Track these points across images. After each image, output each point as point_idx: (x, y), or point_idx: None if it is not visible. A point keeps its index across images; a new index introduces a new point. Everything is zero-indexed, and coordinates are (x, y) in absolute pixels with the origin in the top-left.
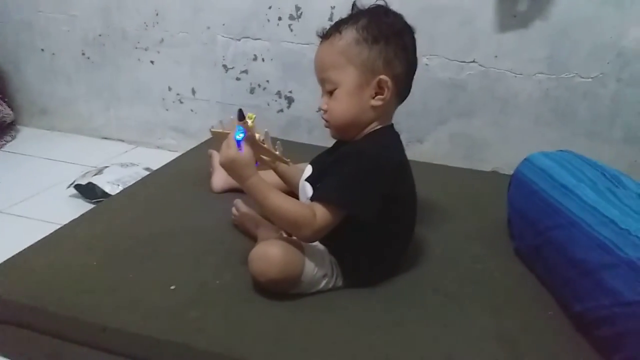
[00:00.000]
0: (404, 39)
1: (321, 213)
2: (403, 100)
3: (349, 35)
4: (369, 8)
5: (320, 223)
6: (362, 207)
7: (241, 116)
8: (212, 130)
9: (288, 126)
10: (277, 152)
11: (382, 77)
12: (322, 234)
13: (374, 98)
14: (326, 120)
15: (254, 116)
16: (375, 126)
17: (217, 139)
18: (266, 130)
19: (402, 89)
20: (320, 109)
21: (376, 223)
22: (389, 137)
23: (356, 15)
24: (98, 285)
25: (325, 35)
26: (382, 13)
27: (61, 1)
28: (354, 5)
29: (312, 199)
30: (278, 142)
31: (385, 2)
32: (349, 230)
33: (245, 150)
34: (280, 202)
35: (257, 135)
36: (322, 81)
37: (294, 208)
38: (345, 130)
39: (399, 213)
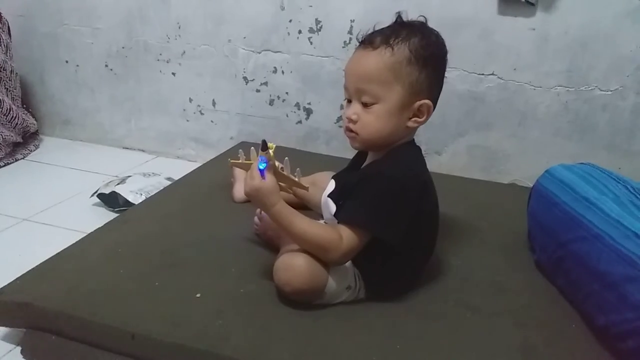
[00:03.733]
0: (445, 62)
1: (348, 235)
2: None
3: (401, 52)
4: (416, 24)
5: (347, 246)
6: (389, 229)
7: (264, 146)
8: (232, 161)
9: (306, 137)
10: (296, 179)
11: (426, 101)
12: (349, 257)
13: (410, 119)
14: (352, 131)
15: (274, 146)
16: (399, 143)
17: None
18: (286, 158)
19: (433, 111)
20: (349, 119)
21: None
22: (412, 154)
23: (404, 30)
24: (126, 293)
25: (372, 44)
26: (433, 33)
27: (85, 14)
28: (398, 16)
29: (339, 221)
30: (297, 169)
31: (426, 19)
32: (373, 245)
33: (269, 179)
34: (306, 226)
35: (277, 164)
36: (359, 91)
37: (320, 232)
38: (372, 145)
39: (422, 228)
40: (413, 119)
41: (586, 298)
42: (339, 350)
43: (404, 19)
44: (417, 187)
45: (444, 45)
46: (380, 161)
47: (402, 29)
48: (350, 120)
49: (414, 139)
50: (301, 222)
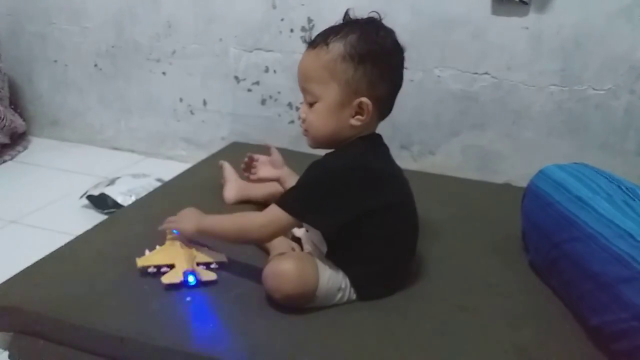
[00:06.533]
0: (392, 59)
1: (271, 210)
2: (384, 119)
3: (336, 50)
4: (361, 21)
5: (265, 218)
6: (314, 216)
7: None
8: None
9: (298, 137)
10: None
11: (363, 99)
12: (269, 230)
13: (353, 117)
14: (305, 129)
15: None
16: (353, 139)
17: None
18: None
19: (384, 109)
20: (301, 119)
21: (357, 236)
22: (362, 147)
23: (347, 27)
24: (114, 296)
25: (312, 44)
26: (374, 30)
27: (74, 13)
28: (346, 14)
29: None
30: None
31: (379, 15)
32: (346, 243)
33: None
34: (227, 218)
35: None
36: (304, 91)
37: (235, 217)
38: (322, 143)
39: (390, 222)
40: (356, 117)
41: (580, 298)
42: (332, 354)
43: (351, 16)
44: (361, 179)
45: (390, 41)
46: (327, 153)
47: (344, 27)
48: (302, 120)
49: (373, 133)
50: (223, 218)
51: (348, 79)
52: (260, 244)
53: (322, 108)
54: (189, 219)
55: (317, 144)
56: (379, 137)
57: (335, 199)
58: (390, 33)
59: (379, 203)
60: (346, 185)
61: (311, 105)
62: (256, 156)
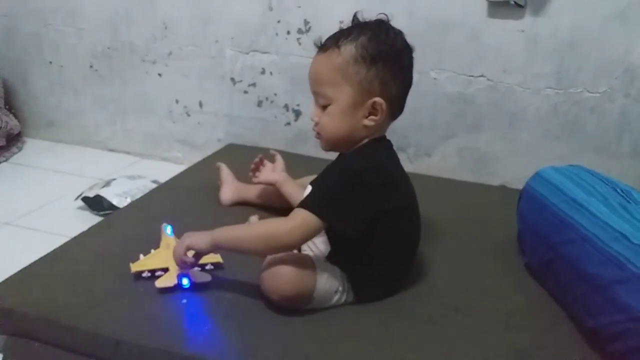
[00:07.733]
0: (403, 59)
1: (298, 212)
2: (396, 118)
3: (348, 52)
4: (370, 23)
5: (296, 221)
6: (343, 218)
7: None
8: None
9: (295, 139)
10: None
11: (377, 99)
12: (300, 232)
13: (366, 118)
14: (317, 132)
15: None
16: (365, 141)
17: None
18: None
19: (396, 109)
20: (313, 122)
21: (365, 237)
22: (376, 150)
23: (357, 29)
24: (110, 299)
25: (323, 47)
26: (384, 31)
27: (70, 14)
28: (354, 17)
29: (296, 206)
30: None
31: (387, 17)
32: (353, 244)
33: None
34: (248, 228)
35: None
36: (316, 94)
37: (262, 224)
38: (335, 145)
39: (398, 226)
40: (369, 117)
41: (575, 300)
42: (328, 356)
43: (360, 18)
44: (379, 180)
45: (400, 42)
46: (343, 155)
47: (354, 29)
48: (314, 122)
49: (384, 136)
50: (242, 227)
51: (361, 80)
52: (288, 250)
53: (336, 110)
54: (198, 235)
55: (330, 146)
56: (390, 142)
57: (359, 200)
58: (399, 34)
59: (392, 205)
60: (368, 187)
61: (324, 108)
62: (265, 162)
